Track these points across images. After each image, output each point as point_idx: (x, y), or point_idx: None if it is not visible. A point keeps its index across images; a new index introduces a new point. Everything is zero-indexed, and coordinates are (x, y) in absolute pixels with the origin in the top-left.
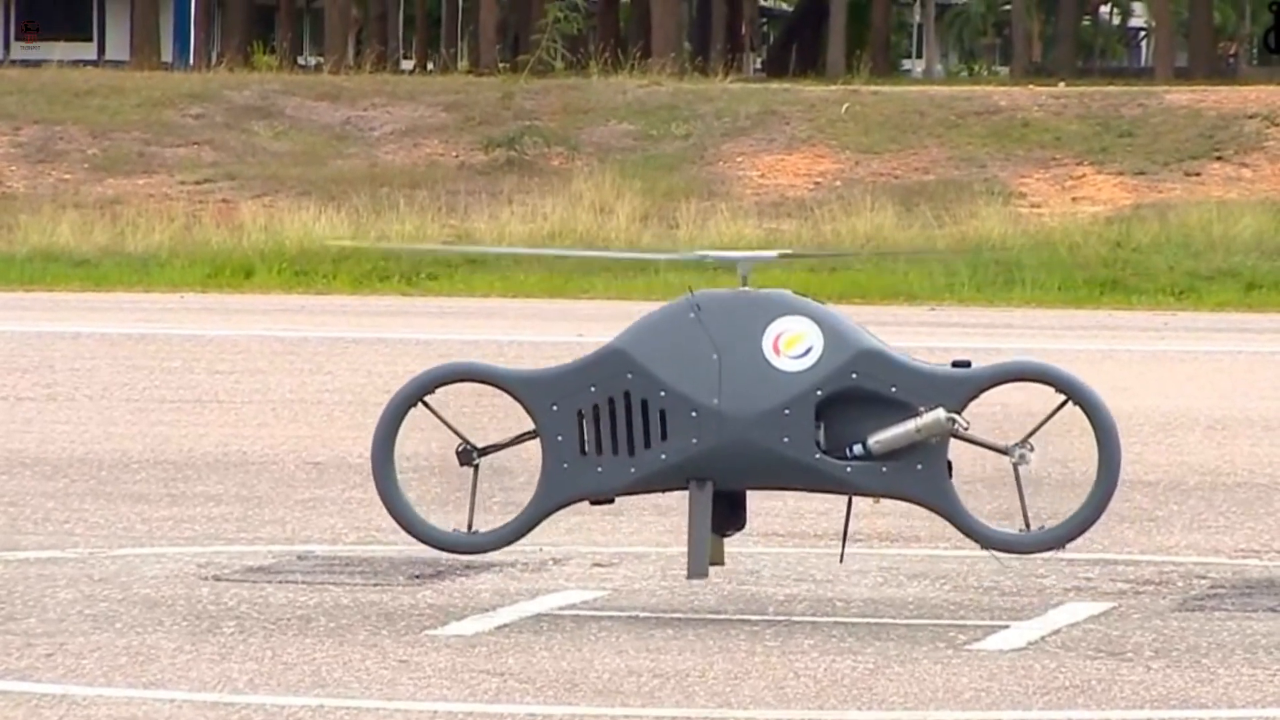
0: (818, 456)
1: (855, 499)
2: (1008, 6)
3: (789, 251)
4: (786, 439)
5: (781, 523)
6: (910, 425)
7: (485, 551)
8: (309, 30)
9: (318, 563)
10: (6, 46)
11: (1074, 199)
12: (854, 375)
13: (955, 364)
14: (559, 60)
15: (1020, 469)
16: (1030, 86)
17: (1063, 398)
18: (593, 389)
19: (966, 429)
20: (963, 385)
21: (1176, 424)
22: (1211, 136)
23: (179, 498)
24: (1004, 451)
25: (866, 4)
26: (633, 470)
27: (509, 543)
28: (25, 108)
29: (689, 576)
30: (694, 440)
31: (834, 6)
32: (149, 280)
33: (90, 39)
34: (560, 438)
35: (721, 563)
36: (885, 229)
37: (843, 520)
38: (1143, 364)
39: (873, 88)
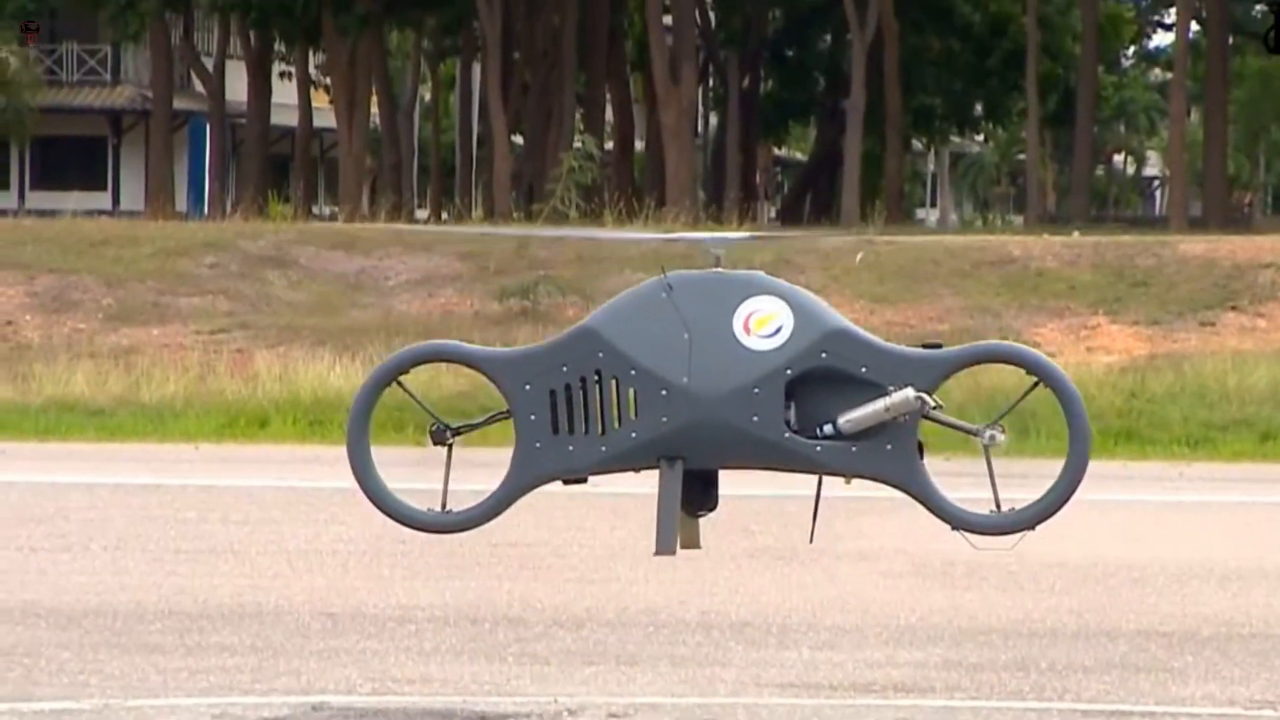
0: (787, 435)
1: (827, 480)
2: (1022, 156)
3: (760, 234)
4: (756, 418)
5: (796, 674)
6: (880, 404)
7: (458, 531)
8: (324, 180)
9: (333, 714)
10: (22, 196)
11: (1088, 349)
12: (824, 355)
13: (926, 345)
14: (574, 209)
15: (990, 450)
16: (1044, 236)
17: (1034, 379)
18: (564, 368)
19: (936, 408)
20: (933, 366)
21: (1191, 575)
22: (1226, 286)
23: (194, 648)
24: (974, 433)
25: (880, 153)
26: (604, 449)
27: (481, 523)
28: (40, 257)
29: (656, 553)
30: (664, 419)
31: (848, 156)
32: (163, 430)
33: (105, 189)
34: (533, 417)
35: (698, 546)
36: None
37: (813, 502)
38: (1158, 514)
39: (887, 237)
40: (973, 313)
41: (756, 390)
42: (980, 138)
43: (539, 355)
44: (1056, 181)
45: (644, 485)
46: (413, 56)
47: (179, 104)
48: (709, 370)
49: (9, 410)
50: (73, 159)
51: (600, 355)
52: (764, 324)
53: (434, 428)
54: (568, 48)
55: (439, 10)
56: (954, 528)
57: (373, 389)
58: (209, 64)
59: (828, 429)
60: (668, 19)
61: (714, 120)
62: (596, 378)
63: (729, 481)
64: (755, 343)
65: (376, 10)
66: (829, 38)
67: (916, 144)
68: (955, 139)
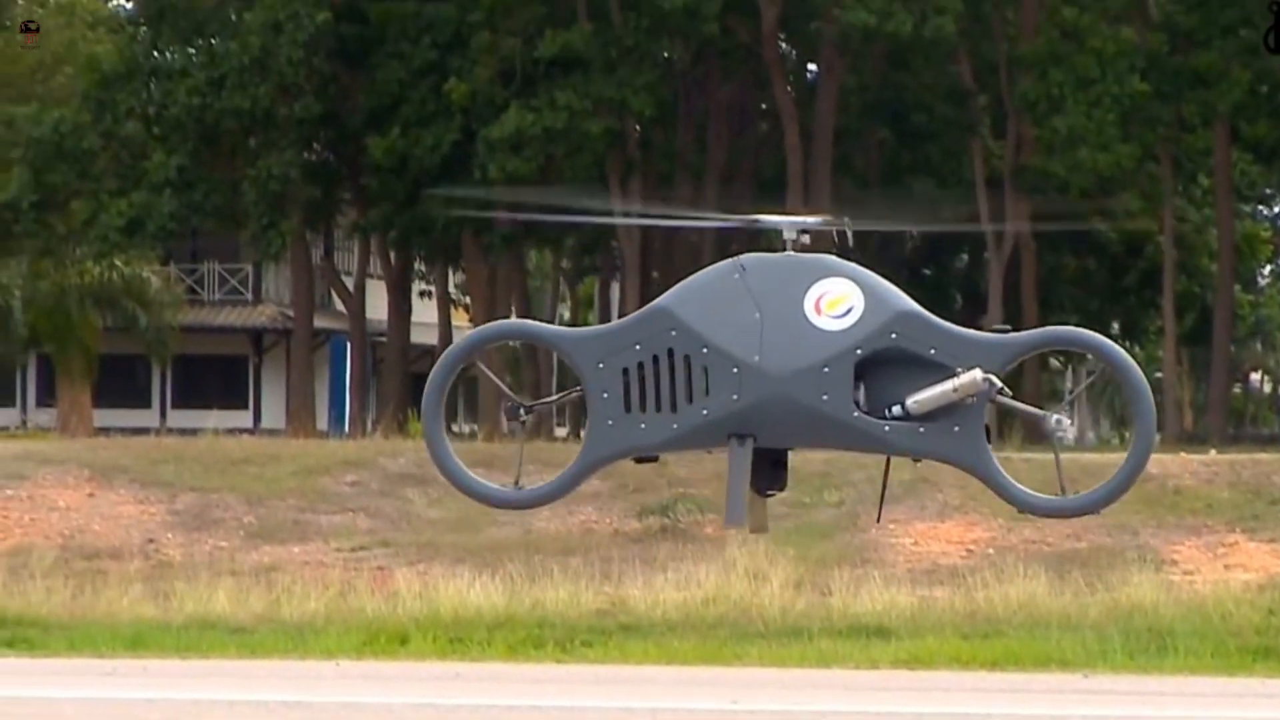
0: (856, 415)
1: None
2: (1159, 374)
3: (834, 221)
4: (826, 397)
5: None
6: (948, 385)
7: (532, 507)
8: (463, 397)
9: None
10: (163, 415)
11: (1226, 566)
12: (893, 336)
13: (995, 329)
14: None
15: (1057, 434)
16: (1182, 454)
17: (1100, 365)
18: (637, 347)
19: (1002, 391)
20: (1000, 349)
21: None
22: None
23: None
24: (1041, 418)
25: (1019, 372)
26: (675, 426)
27: (555, 498)
28: (182, 475)
29: (725, 526)
30: (735, 397)
31: None
32: (304, 647)
33: (246, 407)
34: (606, 395)
35: (765, 530)
36: (1038, 596)
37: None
38: None
39: (1025, 455)
40: (1110, 530)
41: (827, 370)
42: None
43: (612, 334)
44: (1193, 399)
45: None
46: (552, 275)
47: (320, 322)
48: (780, 350)
49: (151, 628)
50: (214, 377)
51: (673, 334)
52: (835, 305)
53: (508, 405)
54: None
55: (578, 230)
56: (1020, 510)
57: (449, 367)
58: (349, 283)
59: (896, 410)
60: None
61: None
62: (669, 356)
63: None
64: (826, 323)
65: (516, 230)
66: (966, 256)
67: (1054, 361)
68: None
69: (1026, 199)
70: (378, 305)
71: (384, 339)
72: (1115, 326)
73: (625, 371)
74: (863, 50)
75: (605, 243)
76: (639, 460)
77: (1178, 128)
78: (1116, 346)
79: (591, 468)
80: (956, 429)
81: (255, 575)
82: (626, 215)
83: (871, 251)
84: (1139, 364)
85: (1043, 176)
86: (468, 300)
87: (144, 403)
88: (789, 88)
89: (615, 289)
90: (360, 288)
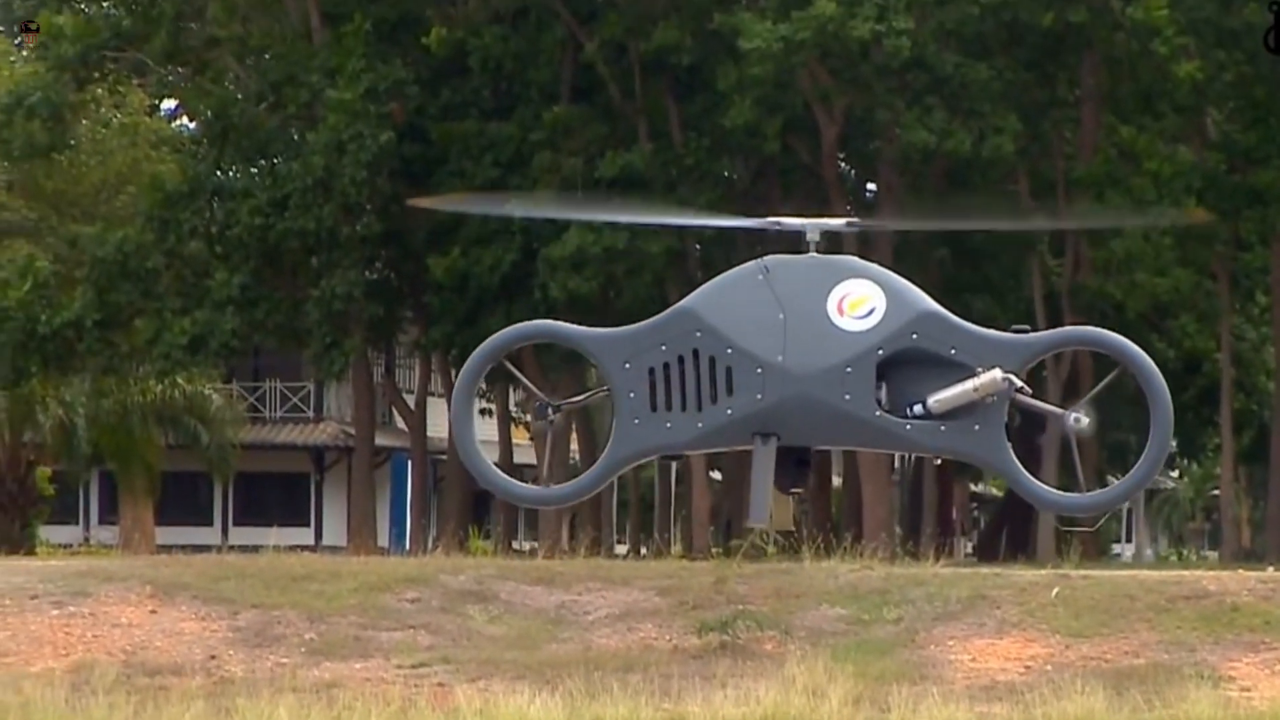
0: (878, 414)
1: None
2: (1216, 491)
3: (857, 221)
4: (848, 396)
5: None
6: (969, 384)
7: (560, 504)
8: (524, 515)
9: None
10: (224, 532)
11: None
12: (914, 336)
13: (1014, 329)
14: (772, 545)
15: (1076, 432)
16: (1239, 571)
17: (1118, 365)
18: (663, 347)
19: (1021, 390)
20: (1020, 348)
21: None
22: None
23: None
24: (1060, 415)
25: (1075, 489)
26: (700, 425)
27: (583, 496)
28: (243, 592)
29: (748, 523)
30: (759, 396)
31: None
32: None
33: (307, 524)
34: (632, 394)
35: (793, 530)
36: (1096, 713)
37: None
38: None
39: (1083, 572)
40: (1168, 647)
41: (849, 370)
42: (1175, 473)
43: (639, 335)
44: (1251, 516)
45: None
46: None
47: (381, 440)
48: (803, 350)
49: None
50: (275, 494)
51: (698, 335)
52: (857, 306)
53: (536, 404)
54: None
55: None
56: (1040, 508)
57: (476, 369)
58: (410, 400)
59: (918, 408)
60: None
61: (910, 456)
62: (694, 357)
63: None
64: (848, 324)
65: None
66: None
67: (1112, 479)
68: None
69: (1084, 318)
70: (439, 423)
71: (445, 456)
72: (1174, 444)
73: (651, 371)
74: (922, 169)
75: None
76: (665, 457)
77: (1234, 246)
78: (1134, 346)
79: (617, 466)
80: (977, 427)
81: (316, 692)
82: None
83: None
84: (1195, 481)
85: (1100, 297)
86: (527, 418)
87: (206, 520)
88: (848, 206)
89: None
90: (421, 405)
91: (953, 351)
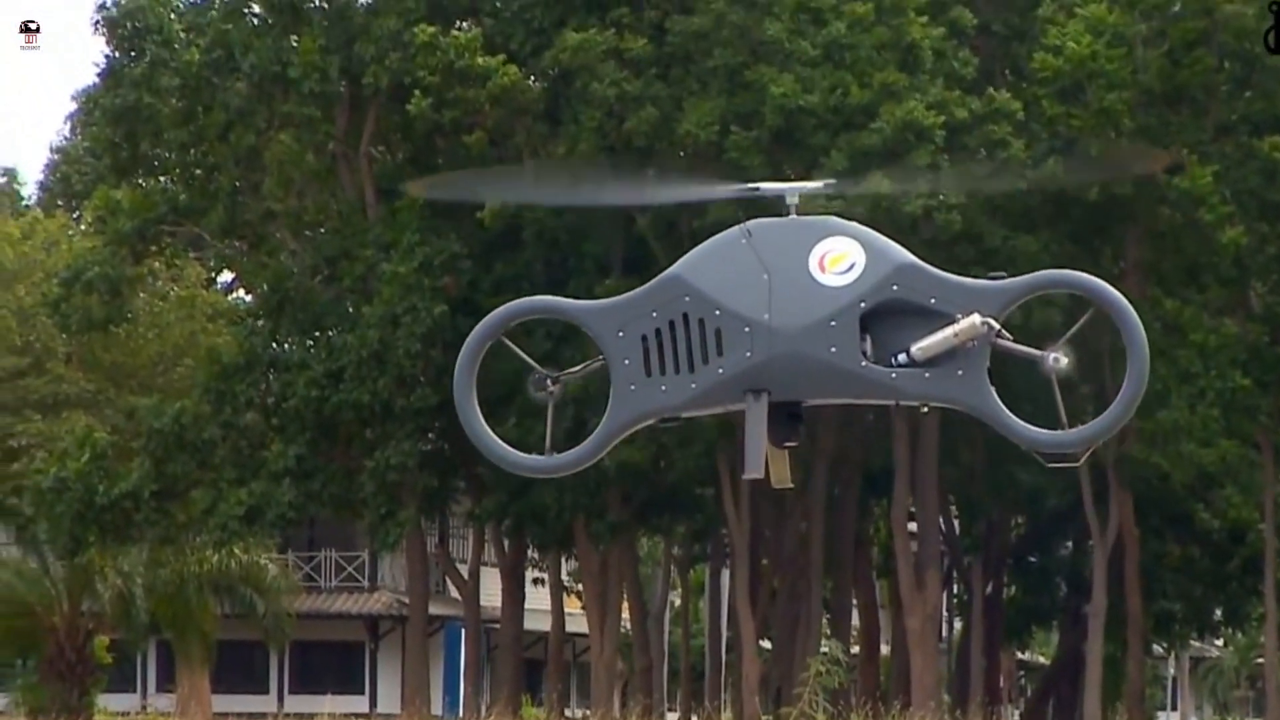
0: (864, 365)
1: None
2: (1260, 660)
3: (834, 182)
4: (834, 349)
5: None
6: (949, 331)
7: (562, 472)
8: (576, 683)
9: None
10: (280, 700)
11: None
12: (895, 288)
13: (991, 276)
14: (821, 713)
15: (1055, 372)
16: None
17: (1093, 305)
18: (654, 314)
19: (999, 333)
20: (997, 294)
21: None
22: None
23: None
24: (1039, 357)
25: (1122, 657)
26: (693, 386)
27: (583, 464)
28: None
29: (743, 475)
30: (748, 354)
31: (1090, 659)
32: None
33: (362, 692)
34: (627, 361)
35: (788, 483)
36: None
37: None
38: None
39: None
40: None
41: (833, 324)
42: (1220, 642)
43: (630, 304)
44: None
45: None
46: (663, 563)
47: (435, 609)
48: (788, 307)
49: None
50: (330, 663)
51: (686, 299)
52: (838, 262)
53: (535, 377)
54: (815, 554)
55: (689, 518)
56: (1024, 447)
57: (477, 345)
58: (464, 570)
59: (902, 358)
60: (912, 526)
61: (958, 624)
62: (684, 321)
63: None
64: (830, 279)
65: (627, 518)
66: (1070, 544)
67: (1157, 648)
68: (1195, 643)
69: (1130, 488)
70: (492, 592)
71: (498, 625)
72: (1218, 613)
73: (644, 338)
74: None
75: (715, 531)
76: (663, 422)
77: (1278, 418)
78: (1110, 288)
79: (617, 431)
80: (960, 372)
81: None
82: (735, 503)
83: (977, 538)
84: (1240, 650)
85: (1146, 467)
86: (580, 587)
87: (262, 688)
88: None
89: (725, 576)
90: (474, 575)
91: (933, 301)
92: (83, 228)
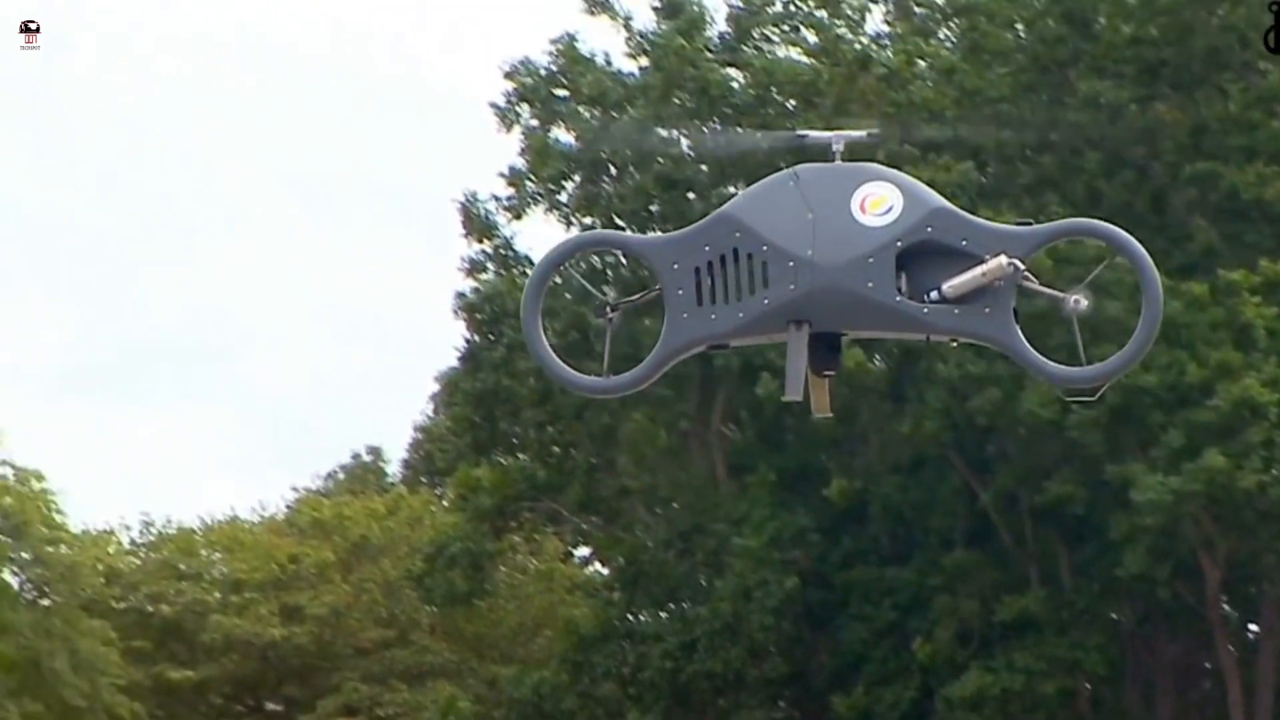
0: (898, 300)
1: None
2: None
3: (877, 132)
4: (871, 284)
5: None
6: (977, 270)
7: (618, 393)
8: None
9: None
10: None
11: None
12: (929, 230)
13: (1019, 223)
14: None
15: (1076, 313)
16: None
17: (1112, 250)
18: (707, 248)
19: (1024, 272)
20: (1025, 238)
21: None
22: None
23: None
24: (1062, 299)
25: None
26: (740, 315)
27: (639, 384)
28: None
29: (784, 398)
30: (791, 287)
31: None
32: None
33: None
34: (680, 291)
35: (828, 412)
36: None
37: None
38: None
39: None
40: None
41: (871, 260)
42: None
43: (685, 238)
44: None
45: None
46: None
47: None
48: (830, 245)
49: None
50: None
51: (737, 235)
52: (878, 205)
53: (597, 304)
54: None
55: None
56: (1046, 381)
57: (543, 274)
58: None
59: (934, 295)
60: None
61: None
62: (734, 255)
63: None
64: (870, 220)
65: None
66: None
67: None
68: None
69: None
70: None
71: None
72: None
73: (697, 270)
74: None
75: None
76: (711, 347)
77: None
78: (1128, 236)
79: (669, 356)
80: (987, 310)
81: None
82: None
83: None
84: None
85: None
86: None
87: None
88: (1231, 647)
89: None
90: None
91: (964, 243)
92: (445, 504)
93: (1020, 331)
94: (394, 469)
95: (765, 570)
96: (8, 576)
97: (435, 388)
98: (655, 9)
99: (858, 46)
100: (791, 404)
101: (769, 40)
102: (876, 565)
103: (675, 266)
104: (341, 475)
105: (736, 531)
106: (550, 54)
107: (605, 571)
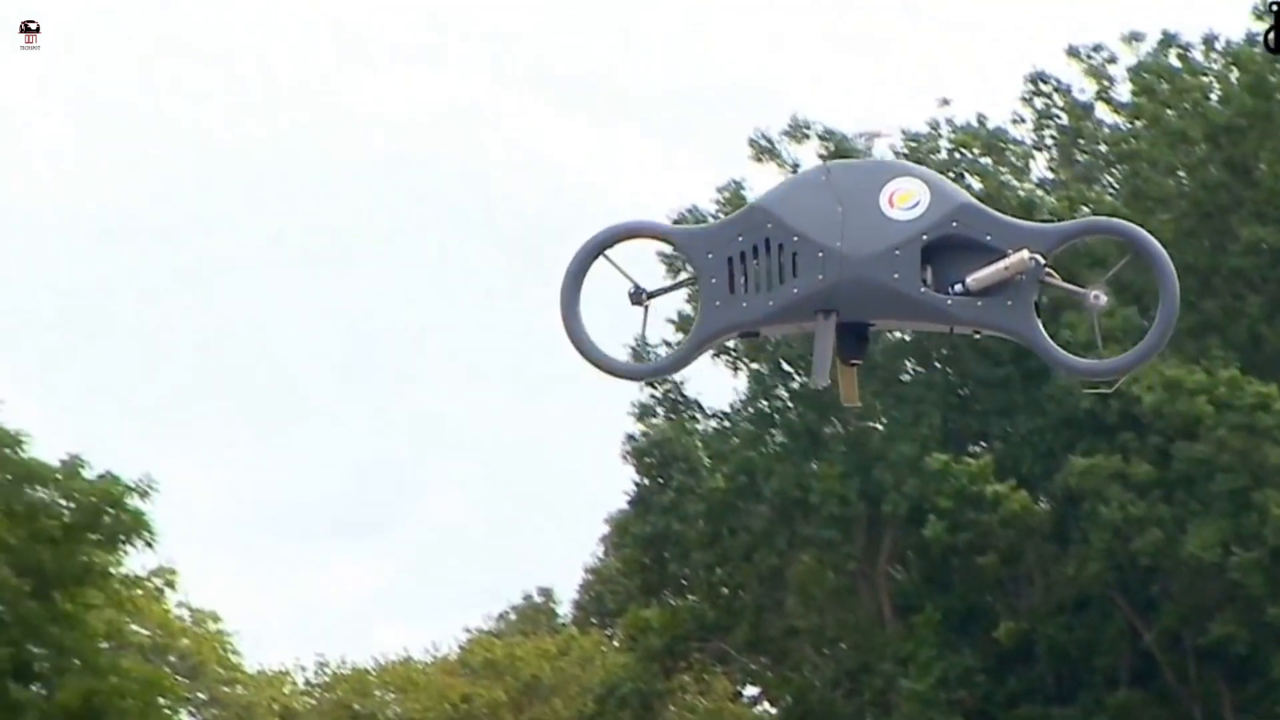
0: (923, 291)
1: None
2: None
3: (899, 127)
4: (897, 275)
5: None
6: (1001, 264)
7: (652, 377)
8: None
9: None
10: None
11: None
12: (955, 224)
13: (1042, 219)
14: None
15: (1096, 309)
16: None
17: (1131, 249)
18: (740, 239)
19: (1046, 266)
20: (1047, 235)
21: None
22: None
23: None
24: (1082, 295)
25: None
26: (770, 303)
27: (674, 370)
28: None
29: (811, 385)
30: (820, 276)
31: None
32: None
33: None
34: (714, 280)
35: (857, 402)
36: None
37: None
38: None
39: None
40: None
41: (897, 253)
42: None
43: (719, 229)
44: None
45: None
46: None
47: None
48: (858, 237)
49: None
50: None
51: (769, 226)
52: (905, 199)
53: (632, 290)
54: None
55: None
56: (1067, 373)
57: (583, 261)
58: None
59: (958, 287)
60: None
61: None
62: (765, 245)
63: None
64: (897, 214)
65: None
66: None
67: None
68: None
69: None
70: None
71: None
72: None
73: (730, 260)
74: None
75: None
76: (742, 335)
77: None
78: (1146, 233)
79: (703, 343)
80: (1009, 303)
81: None
82: None
83: None
84: None
85: None
86: None
87: None
88: None
89: None
90: None
91: (989, 238)
92: (615, 644)
93: (1040, 324)
94: (565, 609)
95: (932, 710)
96: (185, 718)
97: (605, 529)
98: (821, 156)
99: (1021, 193)
100: (955, 545)
101: None
102: (1042, 705)
103: (709, 256)
104: (513, 616)
105: (903, 671)
106: (717, 201)
107: (773, 711)
